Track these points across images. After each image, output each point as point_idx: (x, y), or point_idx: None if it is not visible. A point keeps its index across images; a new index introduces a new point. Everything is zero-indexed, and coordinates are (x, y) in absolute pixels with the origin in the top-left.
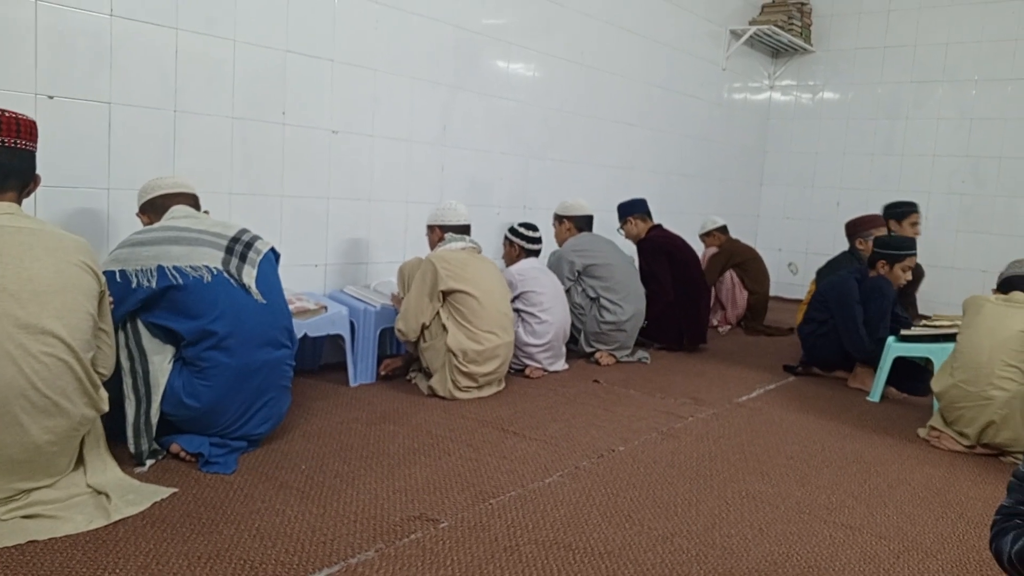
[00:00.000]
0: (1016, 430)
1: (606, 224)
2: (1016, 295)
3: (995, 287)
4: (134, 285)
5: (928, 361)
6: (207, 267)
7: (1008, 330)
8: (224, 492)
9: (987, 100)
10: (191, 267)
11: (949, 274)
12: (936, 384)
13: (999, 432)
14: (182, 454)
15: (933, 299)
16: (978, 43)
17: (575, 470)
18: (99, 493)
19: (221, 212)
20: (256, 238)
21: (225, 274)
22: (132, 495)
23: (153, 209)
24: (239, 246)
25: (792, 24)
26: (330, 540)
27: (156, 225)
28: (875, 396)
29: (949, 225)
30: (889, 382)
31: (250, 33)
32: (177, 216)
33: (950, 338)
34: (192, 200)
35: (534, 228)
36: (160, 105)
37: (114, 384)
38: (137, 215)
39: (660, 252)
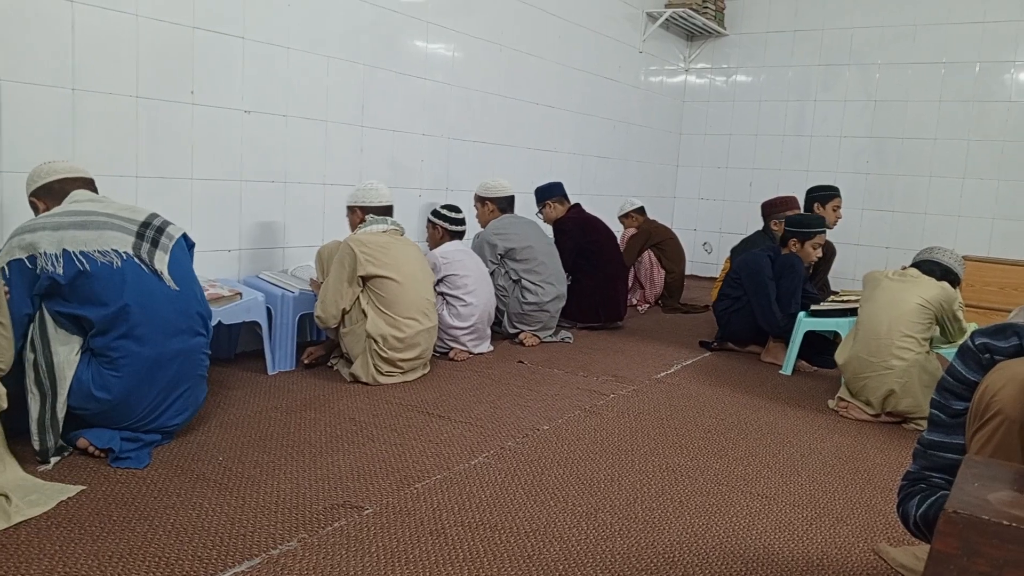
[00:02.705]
0: (916, 397)
1: (528, 205)
2: (911, 270)
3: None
4: (38, 271)
5: (836, 335)
6: (116, 251)
7: (905, 303)
8: (136, 487)
9: (889, 83)
10: (99, 252)
11: (855, 251)
12: (839, 356)
13: (900, 400)
14: (91, 449)
15: (839, 275)
16: (881, 28)
17: (500, 451)
18: None
19: (127, 196)
20: (167, 223)
21: (136, 259)
22: (35, 495)
23: (50, 194)
24: (150, 231)
25: (706, 7)
26: (250, 532)
27: (59, 209)
28: (787, 369)
29: (855, 203)
30: (800, 356)
31: (154, 7)
32: (80, 200)
33: (856, 312)
34: (90, 185)
35: (457, 210)
36: (56, 83)
37: (16, 378)
38: (31, 200)
39: (569, 233)
